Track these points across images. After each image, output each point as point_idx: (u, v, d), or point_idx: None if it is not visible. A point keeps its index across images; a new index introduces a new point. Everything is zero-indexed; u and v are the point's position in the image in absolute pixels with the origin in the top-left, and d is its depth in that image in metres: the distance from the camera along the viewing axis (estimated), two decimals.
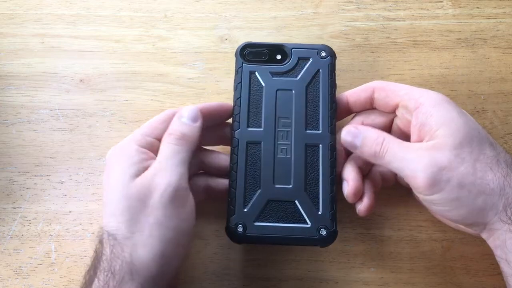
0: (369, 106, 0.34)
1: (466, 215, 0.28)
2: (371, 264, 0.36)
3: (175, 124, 0.32)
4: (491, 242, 0.29)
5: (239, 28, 0.42)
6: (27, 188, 0.38)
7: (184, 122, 0.32)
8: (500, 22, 0.41)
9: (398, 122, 0.34)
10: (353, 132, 0.32)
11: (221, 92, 0.40)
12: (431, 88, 0.40)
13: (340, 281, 0.35)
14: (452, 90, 0.39)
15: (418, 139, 0.31)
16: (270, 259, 0.36)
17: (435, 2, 0.42)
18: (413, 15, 0.42)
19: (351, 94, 0.34)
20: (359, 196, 0.33)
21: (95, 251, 0.28)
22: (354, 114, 0.36)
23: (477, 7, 0.42)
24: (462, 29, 0.41)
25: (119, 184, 0.29)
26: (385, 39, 0.41)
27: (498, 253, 0.28)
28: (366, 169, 0.34)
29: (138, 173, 0.29)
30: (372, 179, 0.34)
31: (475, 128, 0.29)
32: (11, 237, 0.37)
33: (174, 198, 0.29)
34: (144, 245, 0.27)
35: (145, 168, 0.30)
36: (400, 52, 0.41)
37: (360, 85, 0.34)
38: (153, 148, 0.31)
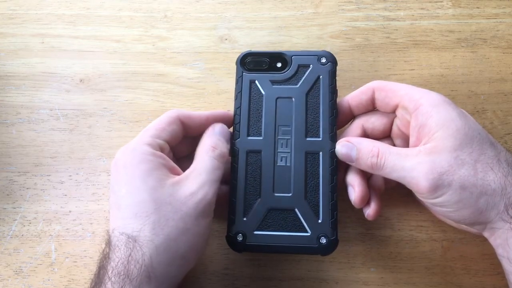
0: (371, 108, 0.34)
1: (469, 216, 0.28)
2: (371, 264, 0.36)
3: (218, 141, 0.32)
4: (492, 241, 0.29)
5: (239, 28, 0.42)
6: (27, 188, 0.38)
7: (223, 141, 0.33)
8: (500, 22, 0.41)
9: (398, 123, 0.34)
10: (347, 146, 0.32)
11: (221, 92, 0.40)
12: (431, 88, 0.40)
13: (340, 281, 0.35)
14: (452, 90, 0.39)
15: (417, 140, 0.31)
16: (270, 259, 0.36)
17: (435, 2, 0.42)
18: (413, 15, 0.42)
19: (352, 98, 0.34)
20: (366, 201, 0.33)
21: (103, 254, 0.28)
22: (354, 117, 0.36)
23: (477, 7, 0.42)
24: (462, 29, 0.41)
25: (143, 186, 0.29)
26: (385, 39, 0.41)
27: (499, 251, 0.29)
28: (369, 173, 0.34)
29: (162, 177, 0.29)
30: (375, 182, 0.34)
31: (475, 128, 0.29)
32: (11, 237, 0.37)
33: (205, 209, 0.29)
34: (168, 249, 0.27)
35: (167, 173, 0.30)
36: (400, 52, 0.41)
37: (360, 87, 0.34)
38: (163, 151, 0.31)
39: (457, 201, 0.28)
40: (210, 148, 0.32)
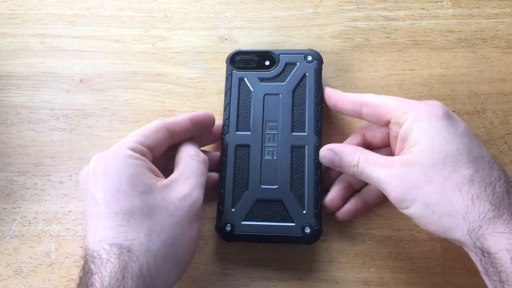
0: (357, 116, 0.34)
1: (436, 231, 0.28)
2: (371, 264, 0.36)
3: (198, 149, 0.33)
4: (471, 256, 0.28)
5: (239, 28, 0.42)
6: (27, 188, 0.38)
7: (199, 151, 0.33)
8: (500, 22, 0.41)
9: (392, 136, 0.33)
10: (330, 154, 0.33)
11: (221, 92, 0.40)
12: (431, 88, 0.40)
13: (340, 281, 0.35)
14: (452, 90, 0.39)
15: (399, 151, 0.31)
16: (270, 259, 0.36)
17: (435, 2, 0.42)
18: (413, 15, 0.42)
19: (341, 99, 0.34)
20: (334, 206, 0.35)
21: (84, 272, 0.26)
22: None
23: (477, 7, 0.42)
24: (462, 29, 0.41)
25: (132, 191, 0.27)
26: (385, 39, 0.41)
27: (478, 267, 0.28)
28: (358, 185, 0.36)
29: (151, 181, 0.28)
30: (363, 194, 0.35)
31: (454, 145, 0.28)
32: (11, 237, 0.37)
33: (198, 212, 0.29)
34: (166, 256, 0.27)
35: (154, 177, 0.29)
36: (400, 52, 0.41)
37: (353, 94, 0.34)
38: (145, 156, 0.30)
39: (422, 216, 0.28)
40: (194, 153, 0.32)
